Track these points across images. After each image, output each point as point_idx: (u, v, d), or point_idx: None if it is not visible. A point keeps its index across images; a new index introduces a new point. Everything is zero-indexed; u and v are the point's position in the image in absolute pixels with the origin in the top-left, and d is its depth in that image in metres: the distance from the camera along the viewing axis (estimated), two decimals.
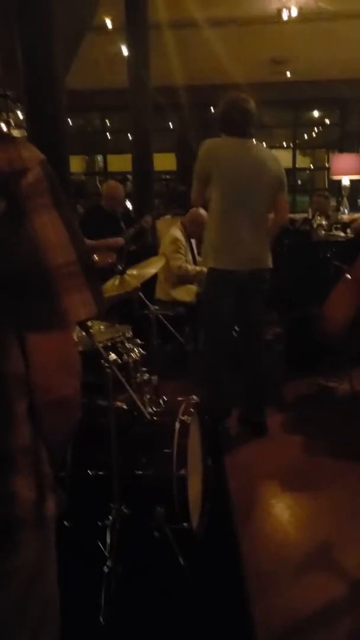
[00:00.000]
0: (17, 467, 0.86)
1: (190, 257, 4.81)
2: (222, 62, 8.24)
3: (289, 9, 7.85)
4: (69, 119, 12.80)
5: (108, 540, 2.06)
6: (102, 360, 1.93)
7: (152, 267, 2.73)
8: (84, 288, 0.84)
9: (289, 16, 7.93)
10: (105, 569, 2.01)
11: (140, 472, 2.15)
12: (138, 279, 2.72)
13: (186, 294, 4.76)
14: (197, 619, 1.99)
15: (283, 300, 4.55)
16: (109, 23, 8.22)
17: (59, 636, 1.01)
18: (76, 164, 14.09)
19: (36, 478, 0.89)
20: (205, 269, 4.42)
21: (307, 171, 13.41)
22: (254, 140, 3.15)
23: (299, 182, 13.48)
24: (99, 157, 13.92)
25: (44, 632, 0.94)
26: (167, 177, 12.81)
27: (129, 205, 6.41)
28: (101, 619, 1.92)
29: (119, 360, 1.97)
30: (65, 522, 2.15)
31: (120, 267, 2.77)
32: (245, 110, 3.11)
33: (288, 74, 10.49)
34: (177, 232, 4.69)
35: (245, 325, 3.37)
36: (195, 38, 8.17)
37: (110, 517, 2.08)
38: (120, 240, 5.06)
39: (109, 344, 2.34)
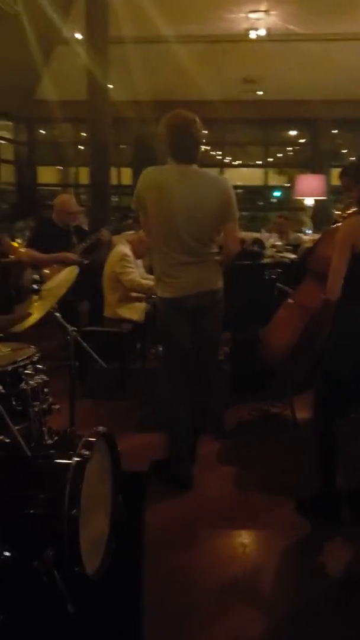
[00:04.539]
0: None
1: (142, 271, 4.72)
2: (191, 78, 8.19)
3: (257, 30, 7.83)
4: (41, 130, 12.88)
5: None
6: None
7: (65, 279, 2.60)
8: None
9: (257, 36, 7.90)
10: None
11: (28, 511, 1.98)
12: (56, 293, 2.59)
13: (134, 312, 4.66)
14: None
15: (233, 320, 4.45)
16: (77, 36, 8.14)
17: None
18: (50, 175, 13.96)
19: None
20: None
21: (280, 189, 13.43)
22: (194, 166, 2.96)
23: (273, 200, 13.49)
24: (73, 169, 13.80)
25: None
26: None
27: (83, 219, 6.29)
28: None
29: (1, 391, 1.81)
30: None
31: (35, 287, 2.63)
32: (189, 135, 2.91)
33: (259, 92, 10.51)
34: (125, 249, 4.59)
35: (198, 348, 3.09)
36: (163, 54, 8.12)
37: None
38: (70, 256, 4.93)
39: (9, 369, 2.19)
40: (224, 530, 2.71)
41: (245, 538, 2.67)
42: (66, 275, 2.74)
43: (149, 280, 4.53)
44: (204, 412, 3.26)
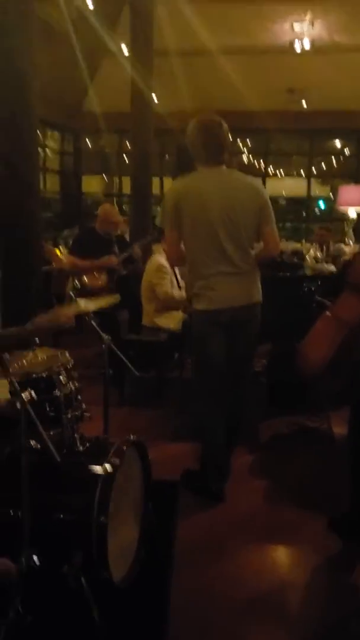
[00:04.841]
0: None
1: (175, 282, 4.74)
2: (234, 89, 8.22)
3: (301, 41, 7.80)
4: (87, 140, 13.13)
5: (18, 585, 1.92)
6: (15, 397, 1.82)
7: (96, 303, 2.62)
8: None
9: (302, 48, 7.88)
10: (11, 616, 1.87)
11: (59, 516, 2.01)
12: (92, 305, 2.63)
13: (170, 321, 4.68)
14: None
15: (271, 332, 4.42)
16: (123, 48, 8.29)
17: None
18: (94, 184, 14.22)
19: None
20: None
21: (323, 200, 13.29)
22: (224, 167, 2.94)
23: (316, 211, 13.36)
24: (116, 179, 14.02)
25: None
26: None
27: (125, 228, 6.37)
28: None
29: (33, 397, 1.85)
30: None
31: (73, 295, 2.69)
32: (219, 136, 2.89)
33: (304, 103, 10.46)
34: (161, 259, 4.61)
35: (231, 361, 3.02)
36: (206, 65, 8.18)
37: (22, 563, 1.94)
38: (113, 259, 5.01)
39: (43, 375, 2.24)
40: (254, 544, 2.68)
41: (275, 553, 2.63)
42: (106, 301, 2.76)
43: (182, 292, 4.56)
44: (237, 425, 3.22)
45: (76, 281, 4.83)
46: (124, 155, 13.01)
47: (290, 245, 5.05)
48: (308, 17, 7.41)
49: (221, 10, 7.07)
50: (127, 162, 13.02)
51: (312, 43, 7.85)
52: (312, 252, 5.32)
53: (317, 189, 13.03)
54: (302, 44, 7.82)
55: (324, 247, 6.21)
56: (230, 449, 3.20)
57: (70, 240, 7.46)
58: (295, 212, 13.18)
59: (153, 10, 6.43)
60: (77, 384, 2.28)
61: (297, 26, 7.61)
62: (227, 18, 7.23)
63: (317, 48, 8.04)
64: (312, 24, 7.54)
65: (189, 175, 2.97)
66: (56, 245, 7.24)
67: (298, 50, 7.82)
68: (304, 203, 12.77)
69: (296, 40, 7.81)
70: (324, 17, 7.49)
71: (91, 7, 6.63)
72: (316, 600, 2.33)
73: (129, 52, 6.80)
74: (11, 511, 2.00)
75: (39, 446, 1.95)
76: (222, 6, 7.05)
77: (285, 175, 13.21)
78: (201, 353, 3.02)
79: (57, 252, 6.42)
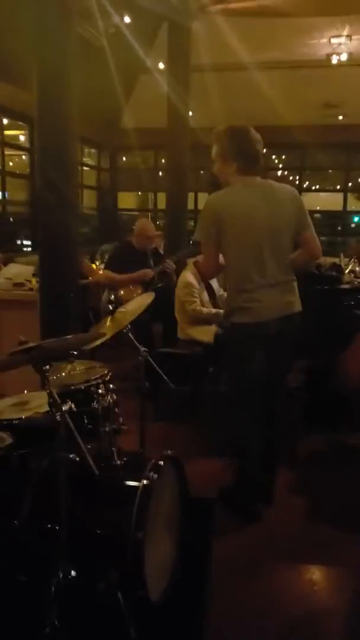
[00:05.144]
0: None
1: (206, 297, 4.72)
2: (270, 104, 8.21)
3: (339, 55, 7.77)
4: (123, 157, 13.31)
5: (54, 600, 1.90)
6: (54, 409, 1.81)
7: (140, 304, 2.62)
8: None
9: (339, 61, 7.84)
10: (47, 631, 1.85)
11: (95, 531, 1.99)
12: (129, 315, 2.62)
13: (204, 334, 4.65)
14: None
15: (309, 347, 4.34)
16: (160, 65, 8.39)
17: None
18: (130, 200, 14.36)
19: None
20: (220, 311, 4.28)
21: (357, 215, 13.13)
22: (259, 178, 2.88)
23: (352, 225, 13.20)
24: (151, 194, 14.13)
25: None
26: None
27: (160, 242, 6.39)
28: None
29: (73, 409, 1.84)
30: (18, 576, 2.02)
31: (111, 307, 2.68)
32: (255, 142, 2.82)
33: (341, 117, 10.38)
34: (189, 277, 4.61)
35: (270, 375, 2.94)
36: (243, 80, 8.19)
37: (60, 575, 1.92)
38: (149, 272, 5.03)
39: (82, 387, 2.23)
40: (292, 565, 2.61)
41: (314, 575, 2.55)
42: (142, 300, 2.76)
43: (210, 309, 4.55)
44: (278, 442, 3.14)
45: (112, 295, 4.85)
46: (159, 171, 13.15)
47: (328, 259, 4.95)
48: (346, 31, 7.37)
49: (257, 25, 7.09)
50: (161, 177, 13.17)
51: (350, 56, 7.79)
52: (349, 265, 5.23)
53: (353, 204, 12.88)
54: (340, 58, 7.77)
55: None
56: (273, 467, 3.12)
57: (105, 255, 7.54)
58: (330, 226, 13.04)
59: (190, 26, 6.48)
60: (115, 397, 2.26)
61: (334, 40, 7.58)
62: (264, 33, 7.25)
63: (354, 61, 7.99)
64: (350, 38, 7.50)
65: (228, 188, 2.88)
66: (93, 260, 7.31)
67: (336, 62, 7.77)
68: (340, 217, 12.63)
69: (334, 55, 7.77)
70: None
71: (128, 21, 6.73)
72: (358, 628, 2.24)
73: (166, 67, 6.85)
74: (49, 525, 1.98)
75: (77, 459, 1.93)
76: (258, 21, 7.07)
77: (320, 189, 13.10)
78: (242, 367, 2.91)
79: (94, 266, 6.48)
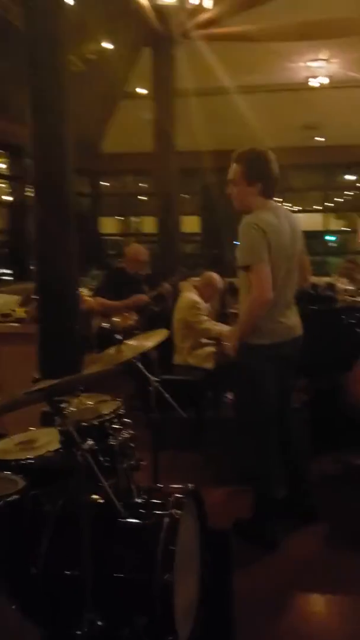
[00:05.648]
0: None
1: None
2: (251, 126, 8.28)
3: (316, 78, 7.90)
4: (103, 182, 13.29)
5: None
6: (70, 448, 1.72)
7: (150, 341, 2.54)
8: None
9: (319, 84, 7.97)
10: None
11: (119, 575, 1.88)
12: (134, 351, 2.53)
13: (203, 359, 4.56)
14: None
15: (310, 366, 4.29)
16: (141, 90, 8.45)
17: None
18: (111, 225, 14.31)
19: None
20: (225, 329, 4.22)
21: (335, 234, 13.32)
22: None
23: (331, 244, 13.37)
24: (133, 219, 14.12)
25: None
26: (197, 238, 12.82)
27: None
28: None
29: (94, 448, 1.75)
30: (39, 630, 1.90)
31: (120, 337, 2.60)
32: (276, 165, 2.86)
33: (320, 139, 10.53)
34: (194, 296, 4.55)
35: (280, 396, 2.94)
36: (225, 104, 8.28)
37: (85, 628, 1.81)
38: (144, 297, 4.96)
39: (96, 423, 2.14)
40: (316, 596, 2.53)
41: (341, 607, 2.47)
42: (156, 337, 2.67)
43: (219, 326, 4.48)
44: (299, 461, 3.13)
45: (104, 323, 4.77)
46: (141, 195, 13.15)
47: (323, 279, 4.97)
48: (325, 55, 7.51)
49: (238, 50, 7.18)
50: (143, 202, 13.18)
51: (329, 79, 7.93)
52: (342, 284, 5.24)
53: (331, 223, 13.08)
54: (319, 81, 7.90)
55: (352, 280, 6.11)
56: (306, 484, 3.13)
57: (93, 282, 7.42)
58: (310, 245, 13.19)
59: (174, 52, 6.55)
60: (130, 432, 2.17)
61: (313, 64, 7.72)
62: (245, 58, 7.34)
63: (333, 84, 8.13)
64: (329, 61, 7.64)
65: (266, 212, 2.83)
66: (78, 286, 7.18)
67: (315, 85, 7.90)
68: (319, 237, 12.78)
69: (312, 78, 7.91)
70: (340, 54, 7.59)
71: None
72: None
73: (149, 92, 6.89)
74: (70, 571, 1.87)
75: (98, 499, 1.84)
76: (239, 46, 7.17)
77: (301, 210, 13.25)
78: (258, 389, 2.88)
79: (82, 293, 6.37)
